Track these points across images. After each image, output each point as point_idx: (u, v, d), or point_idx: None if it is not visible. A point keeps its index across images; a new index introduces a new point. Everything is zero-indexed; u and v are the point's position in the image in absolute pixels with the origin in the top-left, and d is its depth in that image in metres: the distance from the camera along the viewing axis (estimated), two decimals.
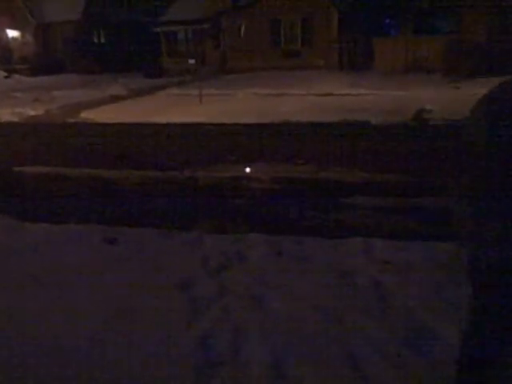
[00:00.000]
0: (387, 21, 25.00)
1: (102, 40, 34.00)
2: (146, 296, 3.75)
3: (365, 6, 22.89)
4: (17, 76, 28.29)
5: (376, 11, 23.42)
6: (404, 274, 3.99)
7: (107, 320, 3.43)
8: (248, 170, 7.36)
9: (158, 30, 28.99)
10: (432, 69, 21.23)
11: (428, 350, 3.04)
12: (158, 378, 2.86)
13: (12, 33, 32.73)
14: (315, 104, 14.00)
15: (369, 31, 23.28)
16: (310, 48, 25.78)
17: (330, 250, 4.46)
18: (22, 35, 32.74)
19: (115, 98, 17.99)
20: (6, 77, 28.06)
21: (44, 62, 30.46)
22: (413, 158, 8.09)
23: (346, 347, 3.09)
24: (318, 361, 2.97)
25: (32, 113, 15.22)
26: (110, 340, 3.21)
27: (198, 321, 3.43)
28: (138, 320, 3.43)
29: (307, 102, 14.53)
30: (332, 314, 3.44)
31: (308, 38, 25.93)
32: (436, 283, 3.82)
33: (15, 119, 14.33)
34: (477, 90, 14.30)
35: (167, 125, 12.04)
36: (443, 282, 3.84)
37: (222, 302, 3.66)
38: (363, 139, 9.66)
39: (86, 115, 14.32)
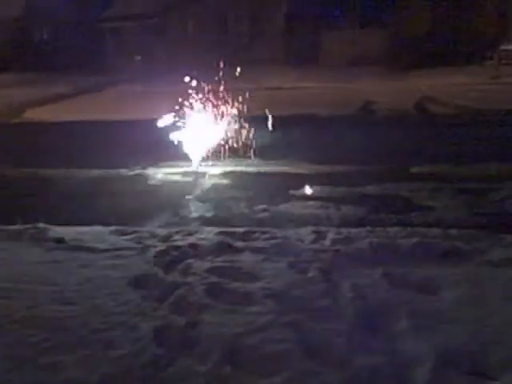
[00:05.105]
0: (335, 13, 25.14)
1: (45, 37, 32.96)
2: None
3: None
4: None
5: (325, 3, 23.62)
6: None
7: None
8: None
9: (104, 25, 28.38)
10: (376, 62, 21.65)
11: None
12: None
13: None
14: (264, 97, 14.04)
15: (317, 24, 23.47)
16: (257, 42, 25.78)
17: None
18: None
19: (60, 96, 17.56)
20: None
21: None
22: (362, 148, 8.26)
23: None
24: None
25: None
26: None
27: None
28: None
29: (258, 95, 14.55)
30: None
31: (254, 31, 25.93)
32: None
33: None
34: (420, 81, 14.57)
35: (113, 123, 11.89)
36: None
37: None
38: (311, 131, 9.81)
39: (31, 114, 13.95)
